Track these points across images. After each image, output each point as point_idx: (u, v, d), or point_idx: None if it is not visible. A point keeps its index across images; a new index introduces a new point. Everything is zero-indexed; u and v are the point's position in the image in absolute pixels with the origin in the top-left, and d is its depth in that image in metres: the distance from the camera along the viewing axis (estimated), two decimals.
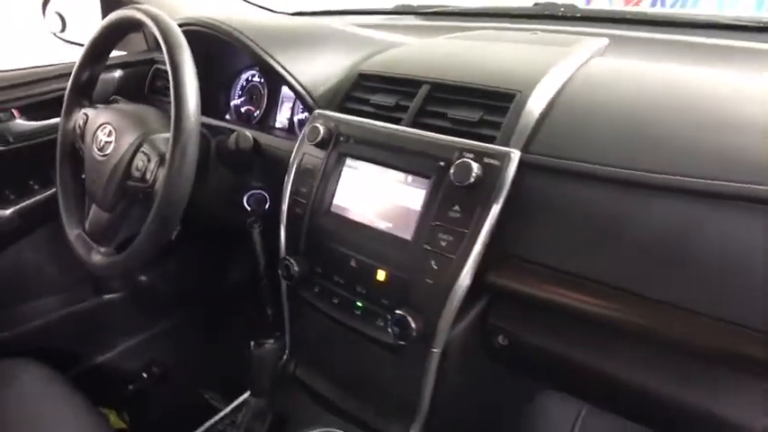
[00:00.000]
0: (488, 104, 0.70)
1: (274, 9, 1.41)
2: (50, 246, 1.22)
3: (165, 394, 1.39)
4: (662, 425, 0.64)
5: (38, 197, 1.16)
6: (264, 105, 1.11)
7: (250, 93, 1.14)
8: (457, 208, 0.65)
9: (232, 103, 1.17)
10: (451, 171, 0.64)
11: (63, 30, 1.26)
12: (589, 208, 0.61)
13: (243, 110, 1.15)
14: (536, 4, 1.15)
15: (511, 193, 0.63)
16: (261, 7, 1.37)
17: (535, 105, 0.67)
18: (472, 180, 0.63)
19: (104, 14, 1.20)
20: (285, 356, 0.87)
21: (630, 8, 1.09)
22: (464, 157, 0.65)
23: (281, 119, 1.09)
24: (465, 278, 0.64)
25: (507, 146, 0.65)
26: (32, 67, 1.19)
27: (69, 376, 0.97)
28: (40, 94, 1.15)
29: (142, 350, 1.38)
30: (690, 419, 0.59)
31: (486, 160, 0.64)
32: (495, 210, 0.63)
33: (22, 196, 1.16)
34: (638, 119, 0.63)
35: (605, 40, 0.87)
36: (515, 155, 0.63)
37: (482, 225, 0.63)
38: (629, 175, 0.58)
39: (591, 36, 0.89)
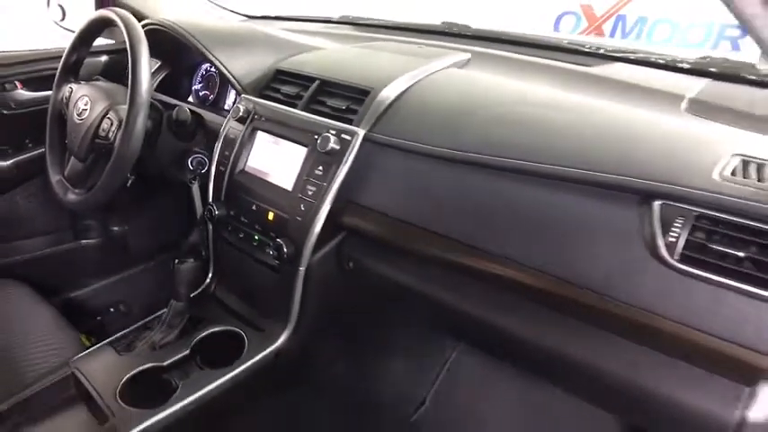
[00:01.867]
0: (353, 97, 0.97)
1: (240, 11, 1.68)
2: (40, 195, 1.49)
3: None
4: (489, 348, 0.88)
5: (31, 153, 1.44)
6: (216, 91, 1.38)
7: (207, 81, 1.41)
8: (321, 168, 0.92)
9: (193, 88, 1.44)
10: (318, 142, 0.92)
11: (63, 19, 1.53)
12: (409, 173, 0.88)
13: (201, 94, 1.42)
14: (442, 23, 1.42)
15: (356, 159, 0.90)
16: (227, 9, 1.64)
17: (383, 99, 0.94)
18: (329, 149, 0.90)
19: (97, 8, 1.48)
20: (208, 279, 1.15)
21: (499, 30, 1.32)
22: (328, 133, 0.92)
23: (229, 102, 1.36)
24: (321, 217, 0.91)
25: (358, 127, 0.92)
26: (34, 49, 1.46)
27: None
28: (38, 71, 1.42)
29: (111, 290, 1.65)
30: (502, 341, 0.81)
31: (342, 136, 0.92)
32: (344, 170, 0.90)
33: (19, 151, 1.43)
34: (454, 112, 0.90)
35: (467, 55, 1.14)
36: (361, 133, 0.91)
37: (335, 181, 0.90)
38: (436, 151, 0.84)
39: (461, 51, 1.16)
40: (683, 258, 0.62)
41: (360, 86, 0.97)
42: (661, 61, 1.08)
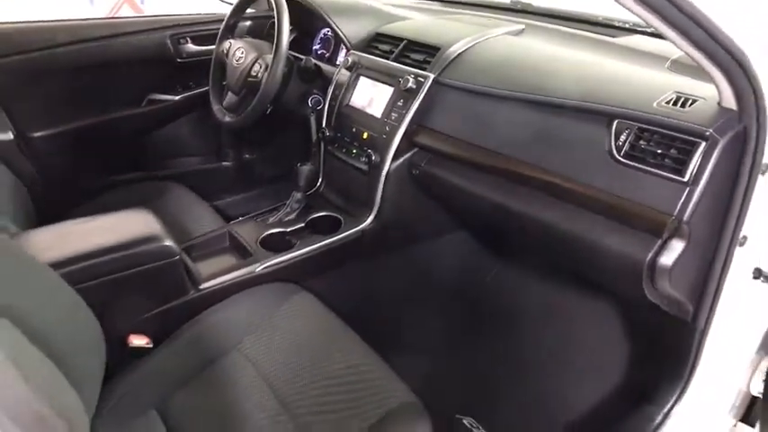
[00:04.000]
0: (428, 52, 1.35)
1: None
2: (197, 125, 2.00)
3: None
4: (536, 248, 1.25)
5: (194, 92, 1.94)
6: (331, 50, 1.80)
7: (324, 42, 1.84)
8: (401, 102, 1.32)
9: (313, 47, 1.87)
10: (401, 83, 1.31)
11: None
12: (462, 105, 1.25)
13: (319, 52, 1.86)
14: (511, 1, 1.76)
15: (426, 95, 1.29)
16: None
17: (449, 54, 1.32)
18: (408, 87, 1.30)
19: None
20: (319, 182, 1.59)
21: (551, 7, 1.63)
22: (408, 76, 1.31)
23: (340, 58, 1.78)
24: (399, 135, 1.31)
25: (430, 73, 1.30)
26: (198, 13, 1.96)
27: None
28: (202, 31, 1.91)
29: (238, 205, 2.14)
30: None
31: (418, 78, 1.30)
32: (417, 103, 1.29)
33: (185, 90, 1.94)
34: (497, 65, 1.26)
35: (521, 26, 1.48)
36: (431, 77, 1.29)
37: (410, 110, 1.30)
38: (482, 89, 1.21)
39: (516, 23, 1.50)
40: (626, 155, 0.96)
41: (433, 44, 1.35)
42: None
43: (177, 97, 1.93)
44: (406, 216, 1.44)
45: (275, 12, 1.45)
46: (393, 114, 1.33)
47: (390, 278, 1.52)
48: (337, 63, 1.79)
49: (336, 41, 1.80)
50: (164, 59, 1.87)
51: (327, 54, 1.83)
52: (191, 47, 1.91)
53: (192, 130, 2.02)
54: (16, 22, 1.66)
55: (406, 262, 1.55)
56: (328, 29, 1.80)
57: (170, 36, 1.87)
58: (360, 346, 1.08)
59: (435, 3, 1.96)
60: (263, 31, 1.95)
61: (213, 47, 1.71)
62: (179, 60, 1.89)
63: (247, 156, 2.13)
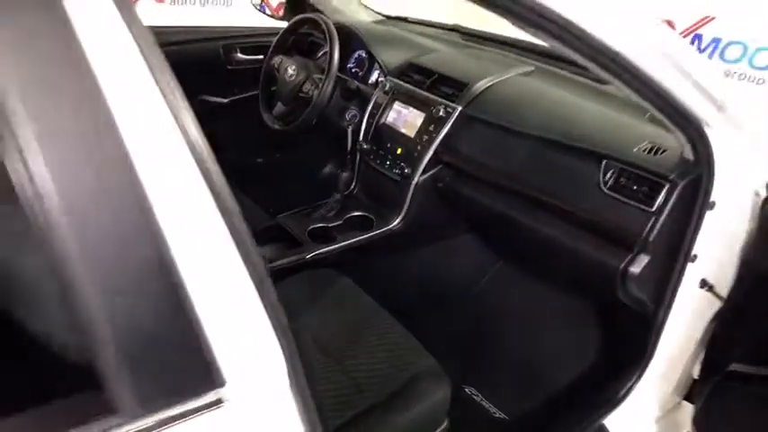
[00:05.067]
0: (456, 86, 1.64)
1: (381, 12, 2.37)
2: (242, 124, 2.27)
3: None
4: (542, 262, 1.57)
5: (240, 96, 2.21)
6: (365, 70, 2.08)
7: (358, 62, 2.12)
8: (432, 126, 1.61)
9: (348, 65, 2.15)
10: (432, 110, 1.60)
11: (261, 7, 2.29)
12: (487, 136, 1.54)
13: (353, 70, 2.13)
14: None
15: (453, 123, 1.58)
16: (376, 12, 2.34)
17: (475, 90, 1.61)
18: (439, 115, 1.59)
19: (290, 9, 2.20)
20: (353, 186, 1.87)
21: (550, 48, 1.93)
22: (440, 105, 1.60)
23: (371, 78, 2.06)
24: (428, 154, 1.60)
25: (458, 105, 1.59)
26: (246, 27, 2.23)
27: None
28: (250, 42, 2.18)
29: (272, 199, 2.41)
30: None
31: (447, 109, 1.60)
32: (446, 129, 1.58)
33: (232, 94, 2.20)
34: (514, 104, 1.55)
35: (531, 68, 1.77)
36: (459, 109, 1.58)
37: (440, 134, 1.59)
38: (501, 124, 1.50)
39: (527, 64, 1.79)
40: (610, 188, 1.26)
41: (461, 80, 1.64)
42: None
43: (226, 99, 2.19)
44: (428, 219, 1.74)
45: (328, 40, 1.73)
46: (424, 136, 1.62)
47: (412, 267, 1.82)
48: (369, 82, 2.07)
49: (370, 64, 2.08)
50: (216, 65, 2.14)
51: (360, 73, 2.11)
52: (240, 56, 2.17)
53: (235, 129, 2.29)
54: None
55: (424, 256, 1.86)
56: (363, 51, 2.07)
57: (222, 45, 2.14)
58: (390, 321, 1.36)
59: (454, 33, 2.24)
60: (305, 46, 2.22)
61: (260, 57, 1.99)
62: (229, 67, 2.16)
63: (279, 155, 2.40)
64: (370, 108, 1.80)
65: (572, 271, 1.50)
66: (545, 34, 0.78)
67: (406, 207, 1.68)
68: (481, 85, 1.62)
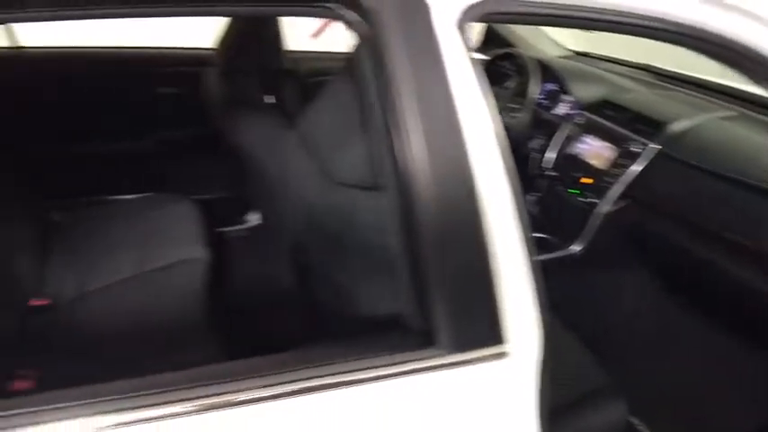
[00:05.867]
0: (652, 124, 1.70)
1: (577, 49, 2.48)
2: None
3: None
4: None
5: None
6: (554, 101, 2.20)
7: (548, 93, 2.23)
8: (623, 160, 1.69)
9: (536, 97, 2.27)
10: (627, 146, 1.68)
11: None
12: (688, 176, 1.58)
13: (541, 101, 2.25)
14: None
15: (651, 161, 1.64)
16: (560, 45, 2.45)
17: (675, 130, 1.65)
18: (634, 151, 1.66)
19: (484, 43, 2.38)
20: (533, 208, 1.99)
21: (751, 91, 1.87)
22: (634, 142, 1.68)
23: (560, 109, 2.16)
24: (620, 187, 1.67)
25: (653, 143, 1.65)
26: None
27: None
28: None
29: None
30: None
31: (643, 146, 1.66)
32: (642, 165, 1.65)
33: None
34: (722, 147, 1.58)
35: (734, 113, 1.77)
36: (657, 147, 1.64)
37: (633, 169, 1.66)
38: (701, 165, 1.54)
39: (729, 109, 1.79)
40: None
41: (658, 119, 1.70)
42: None
43: None
44: (606, 248, 1.81)
45: (528, 73, 1.88)
46: (614, 169, 1.69)
47: (584, 293, 1.90)
48: (554, 113, 2.19)
49: (559, 96, 2.19)
50: None
51: (547, 104, 2.23)
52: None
53: None
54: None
55: (594, 284, 1.92)
56: (555, 84, 2.19)
57: None
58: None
59: (643, 72, 2.29)
60: (494, 76, 2.39)
61: None
62: None
63: None
64: (560, 138, 1.91)
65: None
66: None
67: (588, 234, 1.77)
68: (682, 125, 1.66)
